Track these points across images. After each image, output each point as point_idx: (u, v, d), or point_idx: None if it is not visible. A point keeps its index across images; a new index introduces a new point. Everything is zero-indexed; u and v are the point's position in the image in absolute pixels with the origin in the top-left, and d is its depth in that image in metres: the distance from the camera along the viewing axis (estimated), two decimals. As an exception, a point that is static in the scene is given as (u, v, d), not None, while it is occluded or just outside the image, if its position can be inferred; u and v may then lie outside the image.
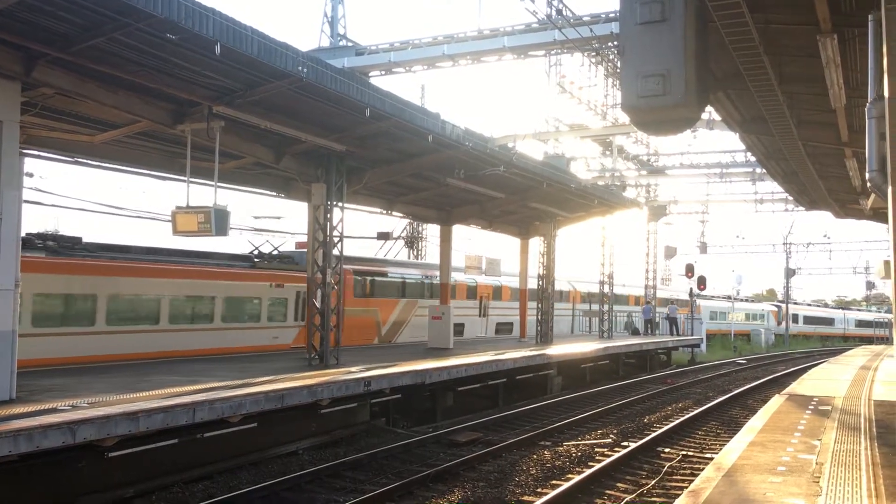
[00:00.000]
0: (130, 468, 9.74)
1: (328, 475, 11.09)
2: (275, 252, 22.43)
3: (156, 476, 10.12)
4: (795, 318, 68.88)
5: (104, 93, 11.46)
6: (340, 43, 26.81)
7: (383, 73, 26.00)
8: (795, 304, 76.43)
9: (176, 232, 13.01)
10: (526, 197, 22.18)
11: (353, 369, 15.06)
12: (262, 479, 10.58)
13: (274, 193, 19.18)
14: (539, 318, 27.19)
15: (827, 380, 19.16)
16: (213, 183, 13.47)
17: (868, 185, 6.72)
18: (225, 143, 13.31)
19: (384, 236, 32.40)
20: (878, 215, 15.33)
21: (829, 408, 13.39)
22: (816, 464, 8.39)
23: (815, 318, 73.83)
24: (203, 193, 20.68)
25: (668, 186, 39.08)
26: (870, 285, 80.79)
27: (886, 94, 5.83)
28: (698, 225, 52.33)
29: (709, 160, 34.05)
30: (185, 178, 13.60)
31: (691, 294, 44.38)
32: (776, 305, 69.51)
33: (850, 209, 20.69)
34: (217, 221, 12.72)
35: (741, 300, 67.34)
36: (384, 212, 23.89)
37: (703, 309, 55.60)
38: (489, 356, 19.43)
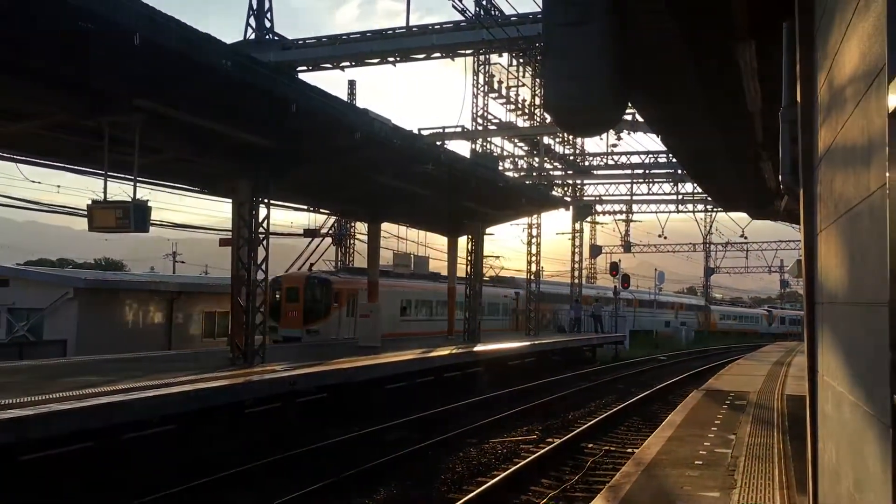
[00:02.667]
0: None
1: (251, 477, 10.89)
2: None
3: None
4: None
5: (15, 82, 10.98)
6: (266, 37, 26.33)
7: (310, 68, 25.67)
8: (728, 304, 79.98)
9: (93, 227, 12.57)
10: (454, 195, 22.24)
11: (277, 368, 14.83)
12: (182, 483, 10.30)
13: (197, 189, 18.75)
14: (467, 315, 27.31)
15: (743, 375, 19.81)
16: (132, 177, 13.05)
17: (781, 187, 6.94)
18: (145, 137, 12.91)
19: (311, 234, 32.02)
20: (791, 216, 15.94)
21: (744, 402, 13.83)
22: (732, 457, 8.65)
23: (736, 315, 77.19)
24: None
25: (593, 186, 39.80)
26: (784, 284, 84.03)
27: (799, 99, 6.04)
28: (623, 224, 53.40)
29: (633, 161, 34.84)
30: (103, 173, 13.15)
31: (615, 292, 45.31)
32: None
33: (765, 210, 21.40)
34: (136, 217, 12.34)
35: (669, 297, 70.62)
36: (311, 209, 23.65)
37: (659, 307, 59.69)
38: (417, 354, 19.41)
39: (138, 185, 13.62)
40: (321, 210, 24.84)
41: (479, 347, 23.00)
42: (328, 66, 25.53)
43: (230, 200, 17.43)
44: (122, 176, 14.36)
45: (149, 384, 11.59)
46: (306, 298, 26.98)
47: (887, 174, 2.96)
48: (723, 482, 7.38)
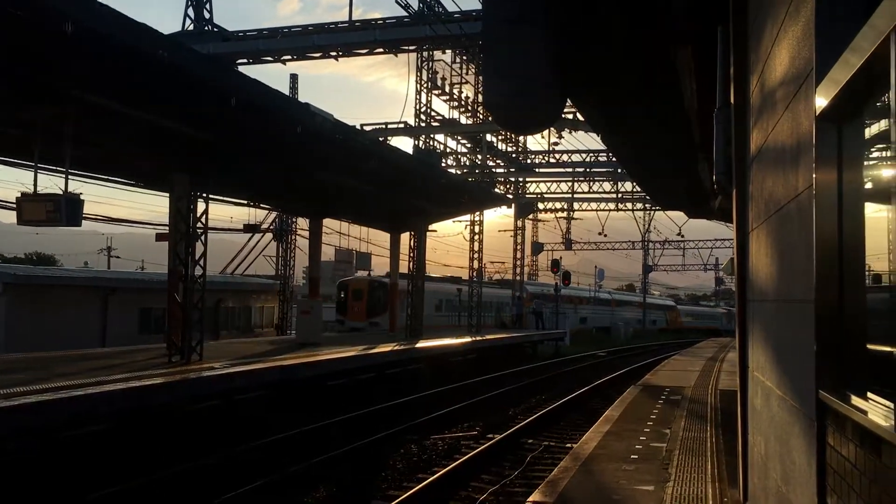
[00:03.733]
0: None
1: (188, 478, 10.68)
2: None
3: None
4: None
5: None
6: (206, 28, 25.82)
7: (251, 61, 25.30)
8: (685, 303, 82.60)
9: (21, 220, 12.18)
10: (397, 191, 22.19)
11: (216, 365, 14.58)
12: (114, 485, 10.04)
13: (133, 183, 18.31)
14: (409, 312, 27.31)
15: (679, 371, 20.24)
16: (63, 170, 12.67)
17: (715, 186, 7.10)
18: (78, 129, 12.54)
19: (252, 229, 31.57)
20: (725, 215, 16.31)
21: (679, 397, 14.14)
22: (666, 451, 8.82)
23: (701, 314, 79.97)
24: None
25: (535, 184, 40.17)
26: (719, 281, 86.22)
27: (732, 101, 6.18)
28: (564, 222, 54.11)
29: (574, 160, 35.28)
30: (34, 165, 12.73)
31: (556, 289, 45.82)
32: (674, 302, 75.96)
33: (701, 209, 21.87)
34: (68, 211, 11.99)
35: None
36: (252, 204, 23.33)
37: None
38: (358, 350, 19.32)
39: (72, 178, 13.24)
40: (262, 205, 24.53)
41: (421, 344, 23.00)
42: (269, 59, 25.19)
43: (167, 195, 17.09)
44: (55, 169, 13.92)
45: (74, 383, 11.27)
46: (369, 297, 33.85)
47: (814, 175, 3.04)
48: (657, 476, 7.52)
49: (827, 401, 2.91)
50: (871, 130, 2.82)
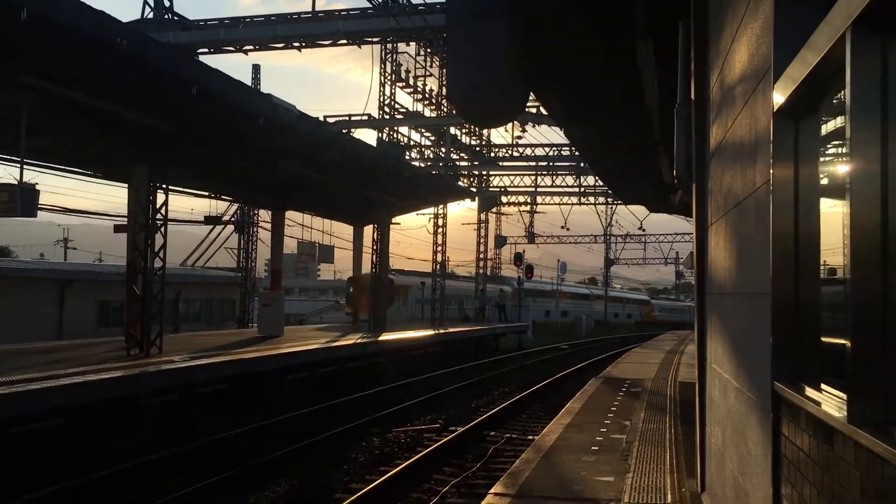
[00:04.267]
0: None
1: (147, 471, 10.55)
2: None
3: None
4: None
5: None
6: (166, 16, 25.38)
7: (212, 50, 24.93)
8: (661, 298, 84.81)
9: (-27, 211, 11.87)
10: (360, 184, 22.09)
11: (175, 359, 14.40)
12: (72, 478, 9.87)
13: (91, 173, 17.97)
14: (372, 305, 27.24)
15: (639, 364, 20.48)
16: (18, 160, 12.38)
17: (676, 181, 7.17)
18: (34, 118, 12.26)
19: (213, 221, 31.21)
20: (686, 209, 16.56)
21: (639, 390, 14.30)
22: (626, 443, 8.92)
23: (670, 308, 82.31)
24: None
25: (499, 177, 40.26)
26: (679, 275, 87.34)
27: (693, 96, 6.25)
28: (527, 215, 54.42)
29: (537, 153, 35.41)
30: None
31: (519, 282, 46.00)
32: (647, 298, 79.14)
33: (662, 203, 22.14)
34: (23, 201, 11.73)
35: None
36: (212, 196, 23.06)
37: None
38: (321, 343, 19.22)
39: (28, 168, 12.95)
40: (223, 197, 24.24)
41: (383, 337, 22.96)
42: (231, 49, 24.86)
43: (126, 185, 16.80)
44: (10, 158, 13.61)
45: (29, 377, 11.04)
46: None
47: (771, 171, 3.08)
48: (617, 467, 7.61)
49: (782, 392, 2.96)
50: (827, 127, 2.87)
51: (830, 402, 2.47)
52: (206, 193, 22.71)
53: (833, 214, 2.75)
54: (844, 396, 2.27)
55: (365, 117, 29.59)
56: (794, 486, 2.82)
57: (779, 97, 2.98)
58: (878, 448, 1.91)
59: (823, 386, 2.68)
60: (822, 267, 2.89)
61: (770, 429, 3.16)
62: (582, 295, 71.02)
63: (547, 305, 62.26)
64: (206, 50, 24.89)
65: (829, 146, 2.90)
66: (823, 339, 2.85)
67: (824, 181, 2.91)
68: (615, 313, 72.91)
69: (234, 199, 26.59)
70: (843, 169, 2.52)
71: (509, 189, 40.57)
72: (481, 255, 45.28)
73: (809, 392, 2.71)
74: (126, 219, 17.13)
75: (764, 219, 3.22)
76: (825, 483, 2.43)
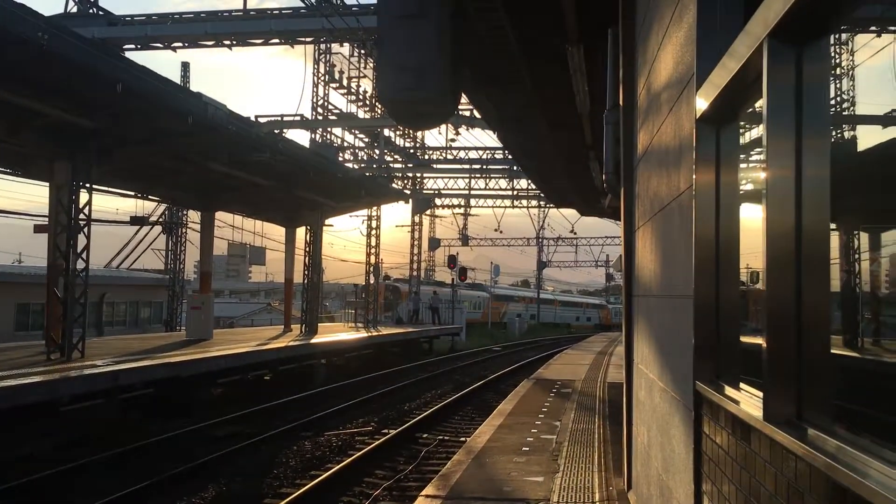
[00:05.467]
0: None
1: (72, 477, 10.20)
2: None
3: None
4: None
5: None
6: (90, 11, 24.61)
7: (139, 47, 24.26)
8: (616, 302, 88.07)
9: None
10: (292, 185, 21.83)
11: (99, 363, 13.97)
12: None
13: (10, 171, 17.31)
14: (304, 307, 26.96)
15: (570, 365, 20.77)
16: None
17: (605, 185, 7.31)
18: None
19: (139, 222, 30.42)
20: (615, 213, 16.86)
21: (570, 391, 14.51)
22: (556, 443, 9.04)
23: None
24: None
25: (433, 180, 40.32)
26: (609, 277, 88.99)
27: (621, 102, 6.37)
28: (461, 218, 54.68)
29: (471, 156, 35.58)
30: None
31: (453, 284, 46.16)
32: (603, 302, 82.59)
33: (593, 207, 22.56)
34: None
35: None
36: (139, 195, 22.49)
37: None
38: (251, 347, 18.92)
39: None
40: (150, 197, 23.64)
41: (315, 340, 22.75)
42: (159, 45, 24.24)
43: (48, 184, 16.24)
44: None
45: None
46: (385, 297, 43.18)
47: (694, 176, 3.16)
48: (547, 467, 7.70)
49: (703, 391, 3.04)
50: (751, 134, 2.96)
51: (748, 400, 2.54)
52: (133, 193, 22.12)
53: (754, 219, 2.83)
54: (761, 395, 2.34)
55: (297, 118, 29.26)
56: (714, 483, 2.90)
57: (701, 104, 3.06)
58: (790, 444, 1.98)
59: (742, 385, 2.77)
60: (741, 270, 2.97)
61: (692, 427, 3.24)
62: (548, 301, 76.34)
63: (520, 310, 66.38)
64: (132, 46, 24.20)
65: (750, 153, 2.99)
66: (742, 339, 2.93)
67: (745, 186, 3.00)
68: (576, 317, 78.59)
69: (161, 200, 25.96)
70: (761, 175, 2.60)
71: (443, 192, 40.69)
72: (415, 258, 45.29)
73: (729, 391, 2.78)
74: (47, 218, 16.56)
75: (687, 222, 3.30)
76: (742, 479, 2.50)
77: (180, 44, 24.05)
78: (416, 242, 44.70)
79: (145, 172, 19.19)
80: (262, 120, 28.28)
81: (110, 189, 19.83)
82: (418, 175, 39.44)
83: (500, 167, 34.88)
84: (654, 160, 4.66)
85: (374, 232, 34.08)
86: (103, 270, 32.23)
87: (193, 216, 32.23)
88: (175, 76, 32.58)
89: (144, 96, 13.26)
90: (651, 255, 4.83)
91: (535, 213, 56.49)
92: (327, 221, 28.57)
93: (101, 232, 21.74)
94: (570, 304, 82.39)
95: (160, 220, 33.78)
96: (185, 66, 33.43)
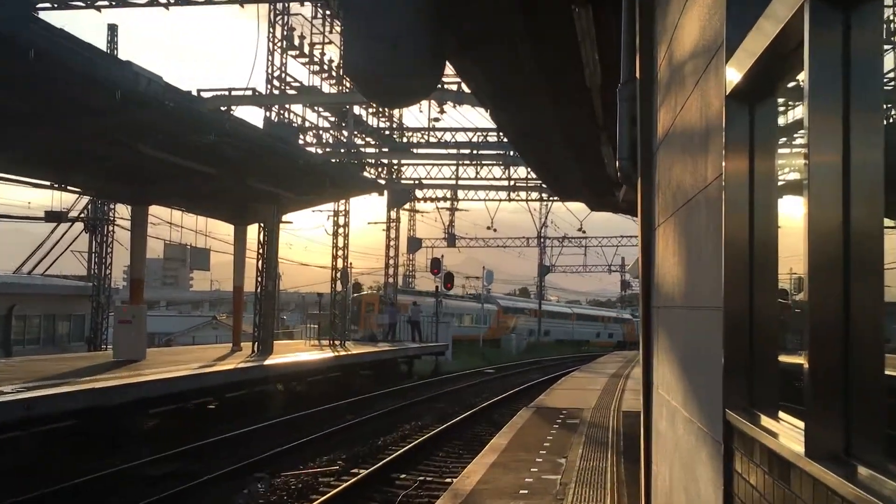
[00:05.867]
0: None
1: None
2: None
3: None
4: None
5: None
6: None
7: (56, 6, 24.14)
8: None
9: None
10: (243, 173, 21.78)
11: (6, 389, 13.87)
12: None
13: None
14: (257, 322, 26.91)
15: (577, 390, 20.86)
16: None
17: (619, 174, 7.33)
18: None
19: (56, 218, 30.24)
20: (631, 208, 16.85)
21: (577, 421, 14.55)
22: (561, 484, 9.06)
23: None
24: None
25: (413, 167, 40.29)
26: (625, 285, 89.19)
27: (638, 75, 6.39)
28: (447, 214, 54.67)
29: (458, 139, 35.61)
30: None
31: (437, 293, 46.13)
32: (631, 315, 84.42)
33: (605, 201, 22.57)
34: None
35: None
36: (56, 186, 22.37)
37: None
38: (193, 369, 18.86)
39: None
40: (70, 188, 23.51)
41: (270, 361, 22.69)
42: (80, 3, 24.13)
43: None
44: None
45: None
46: (380, 310, 45.92)
47: (723, 163, 3.17)
48: (550, 513, 7.71)
49: (734, 422, 3.05)
50: (788, 113, 2.97)
51: (788, 432, 2.55)
52: (48, 183, 22.00)
53: (796, 215, 2.84)
54: (803, 426, 2.34)
55: (249, 92, 29.19)
56: (748, 531, 2.91)
57: (732, 76, 3.07)
58: (837, 485, 1.99)
59: (781, 414, 2.78)
60: (779, 275, 2.99)
61: (721, 464, 3.26)
62: (563, 314, 79.29)
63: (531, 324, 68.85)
64: (47, 5, 24.10)
65: (792, 136, 3.01)
66: (781, 358, 2.95)
67: (786, 175, 3.01)
68: (596, 332, 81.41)
69: (83, 191, 25.82)
70: (802, 162, 2.61)
71: (425, 182, 40.66)
72: (391, 262, 45.30)
73: (765, 421, 2.80)
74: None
75: (716, 219, 3.31)
76: (781, 527, 2.51)
77: (106, 2, 23.94)
78: (392, 243, 44.74)
79: (63, 157, 19.08)
80: (205, 95, 28.19)
81: (18, 178, 19.73)
82: (395, 162, 39.46)
83: (494, 152, 34.96)
84: (676, 144, 4.68)
85: (341, 230, 34.05)
86: (12, 277, 32.03)
87: (122, 211, 32.06)
88: (100, 42, 32.44)
89: (62, 65, 13.19)
90: (673, 258, 4.85)
91: (537, 208, 56.67)
92: (285, 217, 28.51)
93: (8, 230, 21.61)
94: (588, 318, 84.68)
95: (82, 215, 33.58)
96: (112, 30, 33.24)
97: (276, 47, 31.29)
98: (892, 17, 2.42)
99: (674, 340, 4.95)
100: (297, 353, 26.44)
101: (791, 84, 2.85)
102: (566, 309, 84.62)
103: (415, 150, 37.08)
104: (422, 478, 13.50)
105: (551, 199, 42.53)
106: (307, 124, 33.82)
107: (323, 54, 32.44)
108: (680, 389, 4.56)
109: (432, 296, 49.18)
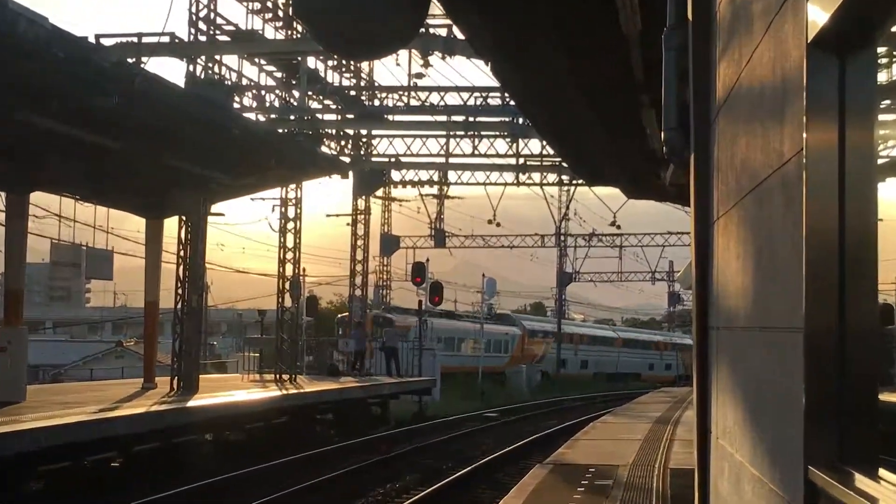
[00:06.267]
0: None
1: None
2: None
3: None
4: None
5: None
6: None
7: None
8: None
9: None
10: (158, 149, 21.73)
11: None
12: None
13: None
14: (178, 349, 26.80)
15: (609, 440, 20.88)
16: None
17: (665, 149, 7.34)
18: None
19: None
20: (682, 194, 16.76)
21: (609, 482, 14.56)
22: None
23: None
24: None
25: (388, 141, 40.13)
26: (675, 298, 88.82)
27: (690, 17, 6.40)
28: (434, 203, 54.40)
29: (449, 102, 35.49)
30: None
31: (419, 310, 45.95)
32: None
33: (646, 185, 22.57)
34: None
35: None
36: None
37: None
38: (90, 414, 18.81)
39: None
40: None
41: (195, 402, 22.64)
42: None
43: None
44: None
45: None
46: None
47: (805, 134, 3.15)
48: None
49: (820, 482, 3.04)
50: (889, 65, 2.97)
51: (891, 496, 2.55)
52: None
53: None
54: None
55: (166, 39, 29.08)
56: None
57: (816, 16, 3.05)
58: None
59: (882, 472, 2.77)
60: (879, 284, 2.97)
61: (803, 540, 3.25)
62: (605, 339, 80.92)
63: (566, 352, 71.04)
64: None
65: (894, 96, 3.00)
66: (884, 398, 2.94)
67: (888, 150, 3.00)
68: (649, 363, 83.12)
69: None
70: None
71: (405, 160, 40.53)
72: (360, 267, 45.25)
73: (861, 482, 2.79)
74: None
75: (794, 208, 3.29)
76: None
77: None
78: (360, 243, 44.68)
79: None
80: (107, 42, 28.11)
81: None
82: (364, 133, 39.33)
83: (497, 119, 34.84)
84: (742, 108, 4.68)
85: (291, 226, 33.99)
86: None
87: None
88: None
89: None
90: (737, 262, 4.84)
91: (555, 196, 56.48)
92: (214, 209, 28.49)
93: None
94: (639, 344, 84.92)
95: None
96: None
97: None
98: None
99: (738, 373, 4.95)
100: (232, 391, 26.39)
101: (894, 28, 2.85)
102: (609, 332, 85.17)
103: (390, 118, 36.98)
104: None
105: (575, 182, 42.43)
106: (245, 82, 33.75)
107: (266, -12, 32.40)
108: (747, 439, 4.56)
109: (443, 315, 49.49)
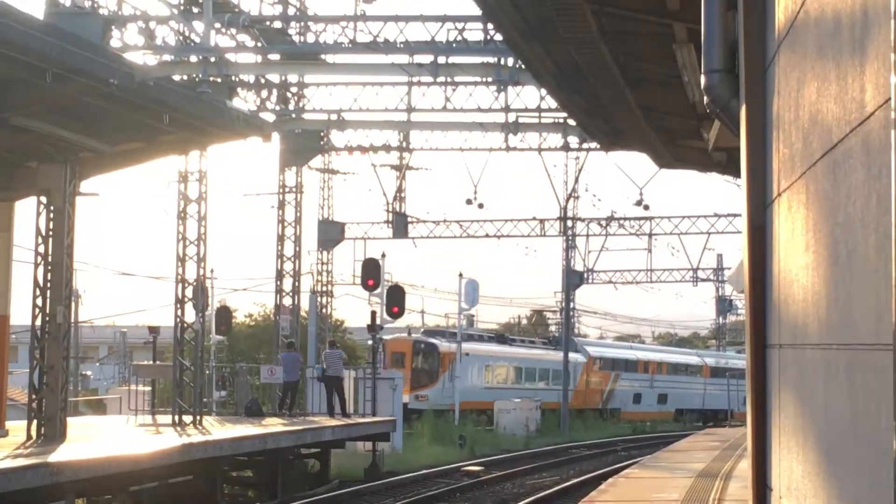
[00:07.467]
0: None
1: None
2: None
3: None
4: None
5: None
6: None
7: None
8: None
9: None
10: (6, 106, 21.71)
11: None
12: None
13: None
14: (37, 382, 26.73)
15: (636, 503, 20.95)
16: None
17: (707, 101, 7.37)
18: None
19: None
20: (732, 163, 16.71)
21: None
22: None
23: None
24: None
25: (327, 90, 40.04)
26: (725, 306, 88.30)
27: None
28: (393, 176, 54.25)
29: (410, 37, 35.41)
30: None
31: (373, 326, 45.62)
32: None
33: (682, 150, 22.61)
34: None
35: None
36: None
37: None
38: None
39: None
40: None
41: (61, 455, 22.59)
42: None
43: None
44: None
45: None
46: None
47: (893, 78, 3.16)
48: None
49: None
50: None
51: None
52: None
53: None
54: None
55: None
56: None
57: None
58: None
59: None
60: None
61: None
62: (688, 367, 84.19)
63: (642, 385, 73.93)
64: None
65: None
66: None
67: None
68: (745, 397, 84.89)
69: None
70: None
71: (349, 116, 40.45)
72: (290, 263, 45.24)
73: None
74: None
75: (882, 180, 3.29)
76: None
77: None
78: (289, 232, 44.64)
79: None
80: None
81: None
82: (294, 81, 39.27)
83: (479, 60, 34.79)
84: (808, 44, 4.70)
85: (193, 210, 33.91)
86: None
87: None
88: None
89: None
90: (806, 255, 4.85)
91: (559, 165, 56.34)
92: (86, 186, 28.40)
93: None
94: (735, 373, 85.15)
95: None
96: None
97: None
98: None
99: (808, 407, 4.96)
100: (114, 439, 26.34)
101: None
102: (693, 358, 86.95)
103: (330, 59, 36.92)
104: None
105: (585, 147, 42.45)
106: (128, 12, 33.67)
107: None
108: (821, 496, 4.59)
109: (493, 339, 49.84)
